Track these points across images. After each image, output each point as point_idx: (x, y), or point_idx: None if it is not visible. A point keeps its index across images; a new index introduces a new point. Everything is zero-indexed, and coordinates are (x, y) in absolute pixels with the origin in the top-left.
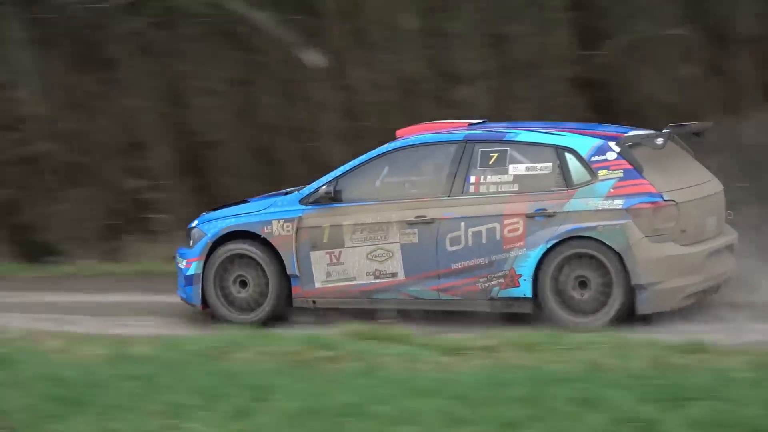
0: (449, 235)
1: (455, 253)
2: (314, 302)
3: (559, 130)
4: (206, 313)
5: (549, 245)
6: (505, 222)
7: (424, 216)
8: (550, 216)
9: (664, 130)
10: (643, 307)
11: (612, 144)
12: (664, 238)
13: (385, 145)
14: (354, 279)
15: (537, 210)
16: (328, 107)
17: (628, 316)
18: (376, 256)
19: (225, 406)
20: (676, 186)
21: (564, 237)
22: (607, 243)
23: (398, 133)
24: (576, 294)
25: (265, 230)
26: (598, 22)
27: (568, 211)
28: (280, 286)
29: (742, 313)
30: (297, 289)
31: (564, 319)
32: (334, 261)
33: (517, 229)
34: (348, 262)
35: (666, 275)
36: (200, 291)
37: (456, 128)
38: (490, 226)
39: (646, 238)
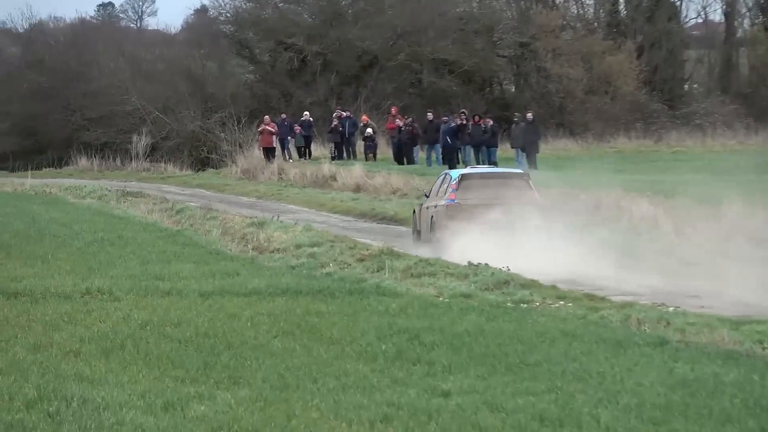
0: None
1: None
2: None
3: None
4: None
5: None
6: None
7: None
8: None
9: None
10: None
11: (458, 175)
12: (453, 215)
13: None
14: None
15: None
16: None
17: None
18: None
19: None
20: (468, 198)
21: (436, 210)
22: (433, 215)
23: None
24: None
25: (415, 209)
26: None
27: (440, 205)
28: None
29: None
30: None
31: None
32: (420, 220)
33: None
34: (422, 221)
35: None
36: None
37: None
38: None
39: (444, 214)
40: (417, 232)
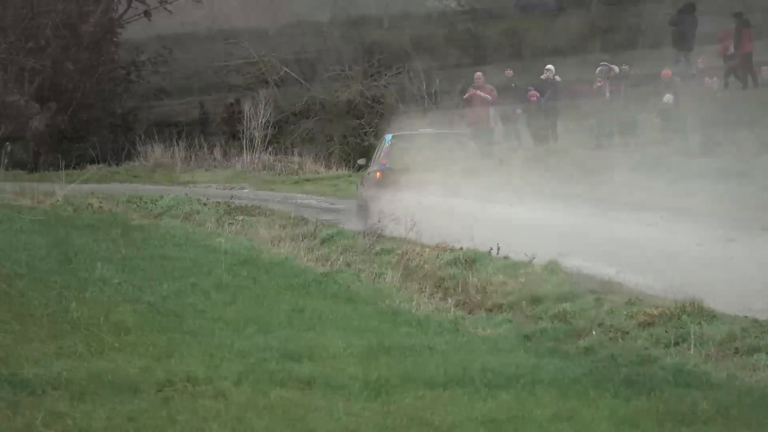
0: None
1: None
2: None
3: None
4: None
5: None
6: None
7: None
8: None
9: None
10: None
11: (390, 137)
12: (383, 182)
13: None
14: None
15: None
16: None
17: None
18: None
19: None
20: (399, 162)
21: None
22: (365, 182)
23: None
24: None
25: (358, 183)
26: None
27: (371, 171)
28: None
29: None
30: None
31: None
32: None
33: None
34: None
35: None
36: None
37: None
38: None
39: (373, 181)
40: (359, 207)
